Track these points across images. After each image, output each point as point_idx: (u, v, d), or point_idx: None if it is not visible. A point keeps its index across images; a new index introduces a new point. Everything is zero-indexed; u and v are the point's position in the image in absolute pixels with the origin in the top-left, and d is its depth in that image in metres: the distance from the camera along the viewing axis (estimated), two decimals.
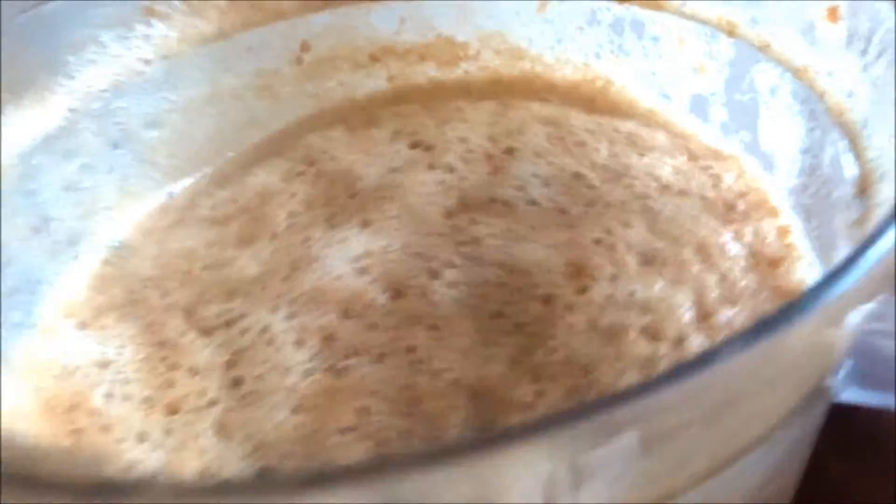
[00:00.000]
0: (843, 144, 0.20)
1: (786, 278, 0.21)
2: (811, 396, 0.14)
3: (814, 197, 0.22)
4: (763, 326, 0.10)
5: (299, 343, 0.21)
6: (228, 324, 0.22)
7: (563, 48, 0.29)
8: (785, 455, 0.15)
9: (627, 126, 0.26)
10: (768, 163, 0.24)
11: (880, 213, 0.16)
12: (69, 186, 0.24)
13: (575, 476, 0.09)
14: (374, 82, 0.30)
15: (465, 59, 0.30)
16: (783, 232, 0.23)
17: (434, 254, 0.23)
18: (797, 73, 0.22)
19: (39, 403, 0.20)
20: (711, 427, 0.11)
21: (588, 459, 0.09)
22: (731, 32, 0.24)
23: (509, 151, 0.25)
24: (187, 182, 0.27)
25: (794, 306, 0.10)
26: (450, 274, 0.22)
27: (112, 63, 0.25)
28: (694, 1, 0.25)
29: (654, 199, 0.23)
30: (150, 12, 0.25)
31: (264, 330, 0.22)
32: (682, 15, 0.25)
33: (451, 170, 0.25)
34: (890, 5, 0.18)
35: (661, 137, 0.26)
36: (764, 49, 0.23)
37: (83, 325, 0.22)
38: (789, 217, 0.23)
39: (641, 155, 0.25)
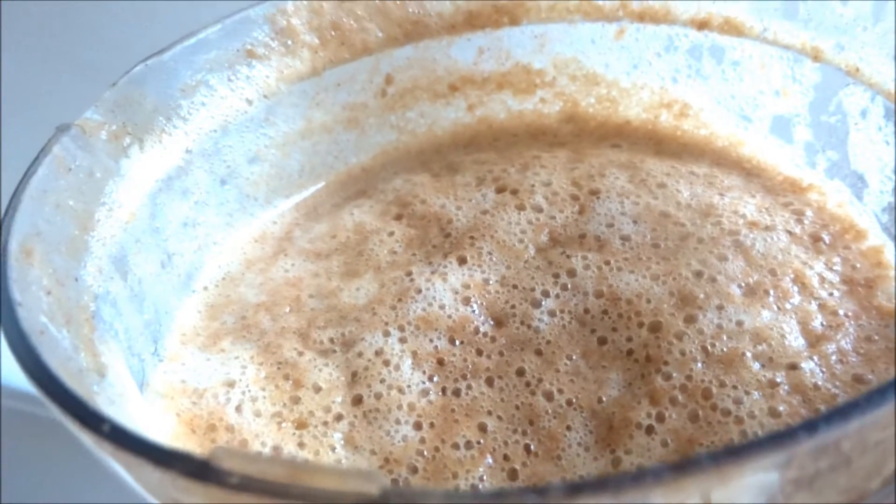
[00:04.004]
0: None
1: (884, 297, 0.22)
2: None
3: None
4: None
5: (415, 365, 0.22)
6: (344, 346, 0.23)
7: (639, 73, 0.30)
8: None
9: (702, 168, 0.26)
10: (860, 181, 0.24)
11: None
12: (187, 223, 0.25)
13: (795, 485, 0.10)
14: (454, 112, 0.31)
15: (541, 86, 0.31)
16: (874, 252, 0.23)
17: (531, 285, 0.24)
18: (890, 96, 0.22)
19: (183, 425, 0.21)
20: None
21: (810, 470, 0.10)
22: (816, 57, 0.25)
23: (594, 192, 0.26)
24: (279, 212, 0.29)
25: None
26: (549, 303, 0.23)
27: (220, 104, 0.26)
28: (776, 27, 0.26)
29: (743, 235, 0.23)
30: (252, 54, 0.27)
31: (379, 352, 0.22)
32: (764, 40, 0.26)
33: (539, 210, 0.26)
34: None
35: (735, 179, 0.26)
36: (852, 73, 0.24)
37: (203, 349, 0.23)
38: (879, 237, 0.24)
39: (722, 195, 0.25)
